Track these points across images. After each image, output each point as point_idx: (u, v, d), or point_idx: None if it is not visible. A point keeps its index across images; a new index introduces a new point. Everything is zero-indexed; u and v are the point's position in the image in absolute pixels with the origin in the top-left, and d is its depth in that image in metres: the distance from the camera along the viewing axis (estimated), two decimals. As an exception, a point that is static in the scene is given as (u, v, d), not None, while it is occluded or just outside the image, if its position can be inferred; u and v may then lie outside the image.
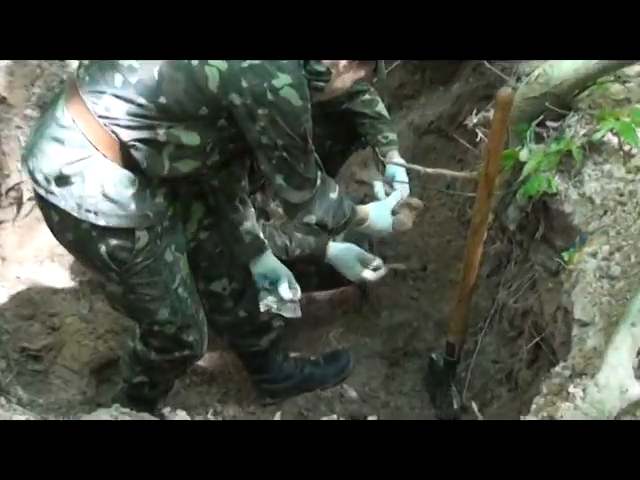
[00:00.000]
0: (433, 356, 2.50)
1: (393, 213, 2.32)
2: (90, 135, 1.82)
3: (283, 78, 1.76)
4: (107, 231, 1.88)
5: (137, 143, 1.82)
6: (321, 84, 1.90)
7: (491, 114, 2.15)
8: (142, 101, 1.79)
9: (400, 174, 2.57)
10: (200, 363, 2.55)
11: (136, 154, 1.84)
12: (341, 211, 2.09)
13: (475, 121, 2.41)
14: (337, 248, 2.57)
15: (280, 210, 2.43)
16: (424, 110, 3.44)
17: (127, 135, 1.81)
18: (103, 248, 1.90)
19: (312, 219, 2.02)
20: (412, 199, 2.38)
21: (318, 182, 1.98)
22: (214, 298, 2.41)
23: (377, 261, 2.58)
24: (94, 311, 2.72)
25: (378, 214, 2.29)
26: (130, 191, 1.86)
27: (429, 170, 2.48)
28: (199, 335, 2.15)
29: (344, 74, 1.95)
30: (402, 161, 2.60)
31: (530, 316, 2.11)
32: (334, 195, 2.05)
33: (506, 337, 2.32)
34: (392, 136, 2.63)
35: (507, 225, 2.24)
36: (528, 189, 2.02)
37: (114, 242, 1.90)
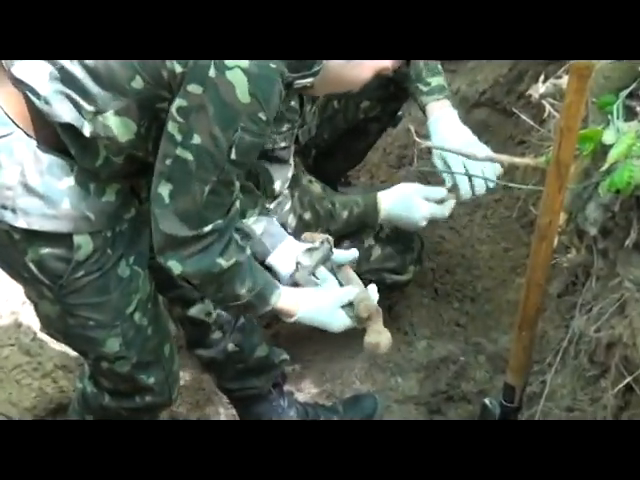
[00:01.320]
0: (486, 402, 2.44)
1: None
2: (9, 107, 1.77)
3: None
4: (33, 235, 1.82)
5: (59, 125, 1.76)
6: (308, 80, 1.80)
7: (564, 82, 2.10)
8: (64, 62, 1.73)
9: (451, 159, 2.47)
10: (180, 409, 2.52)
11: (62, 136, 1.78)
12: (230, 289, 1.88)
13: (542, 91, 2.37)
14: (390, 196, 2.54)
15: (315, 187, 2.40)
16: (474, 76, 3.42)
17: (48, 110, 1.76)
18: (29, 256, 1.85)
19: (177, 269, 1.81)
20: (362, 303, 2.09)
21: (208, 228, 1.77)
22: (195, 327, 2.37)
23: (442, 191, 2.56)
24: (39, 340, 2.70)
25: (314, 309, 2.05)
26: (64, 183, 1.81)
27: (480, 155, 2.44)
28: (164, 376, 2.12)
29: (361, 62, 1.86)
30: (451, 120, 2.48)
31: (618, 349, 2.07)
32: (224, 263, 1.83)
33: (584, 377, 2.28)
34: (436, 81, 2.52)
35: (586, 229, 2.19)
36: (615, 181, 1.98)
37: (44, 250, 1.85)
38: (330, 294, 2.09)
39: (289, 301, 2.02)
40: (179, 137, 1.71)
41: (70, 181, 1.80)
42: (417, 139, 2.52)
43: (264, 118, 1.69)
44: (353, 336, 2.87)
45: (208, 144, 1.69)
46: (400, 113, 3.41)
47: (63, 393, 2.64)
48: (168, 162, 1.73)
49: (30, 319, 2.75)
